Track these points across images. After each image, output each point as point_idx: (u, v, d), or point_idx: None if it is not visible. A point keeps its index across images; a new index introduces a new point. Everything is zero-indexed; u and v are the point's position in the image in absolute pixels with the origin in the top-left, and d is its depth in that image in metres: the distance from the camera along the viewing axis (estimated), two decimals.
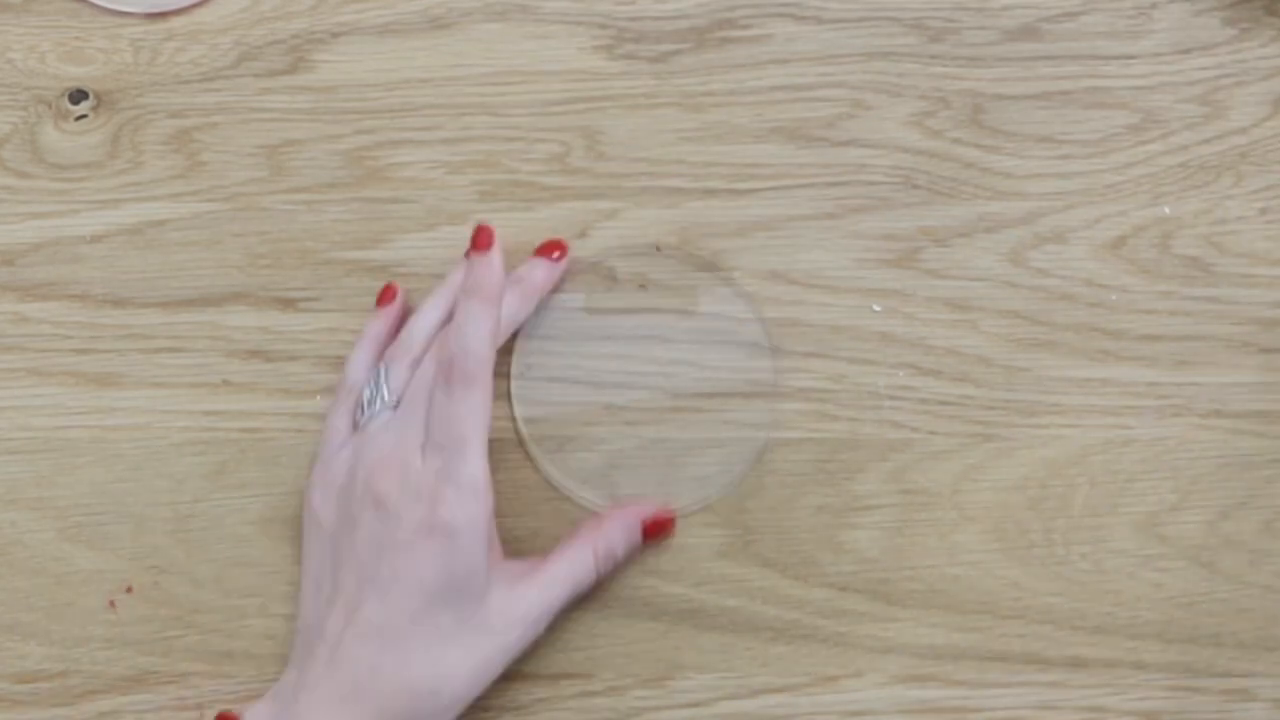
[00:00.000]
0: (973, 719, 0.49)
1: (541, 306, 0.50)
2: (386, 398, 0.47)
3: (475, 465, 0.44)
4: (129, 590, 0.49)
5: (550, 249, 0.50)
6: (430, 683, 0.44)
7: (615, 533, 0.48)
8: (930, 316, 0.50)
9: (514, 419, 0.50)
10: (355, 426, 0.47)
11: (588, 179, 0.51)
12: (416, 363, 0.48)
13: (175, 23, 0.52)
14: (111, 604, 0.49)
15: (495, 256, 0.46)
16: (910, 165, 0.51)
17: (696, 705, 0.49)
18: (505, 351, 0.50)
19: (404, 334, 0.48)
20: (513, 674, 0.49)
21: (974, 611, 0.49)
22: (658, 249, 0.50)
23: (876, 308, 0.50)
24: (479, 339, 0.45)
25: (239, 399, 0.50)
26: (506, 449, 0.49)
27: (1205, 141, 0.51)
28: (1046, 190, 0.51)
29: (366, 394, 0.47)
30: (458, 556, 0.44)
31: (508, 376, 0.50)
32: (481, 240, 0.46)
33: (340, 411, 0.48)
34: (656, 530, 0.48)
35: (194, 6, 0.52)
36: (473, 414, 0.44)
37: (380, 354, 0.49)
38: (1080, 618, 0.49)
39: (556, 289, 0.50)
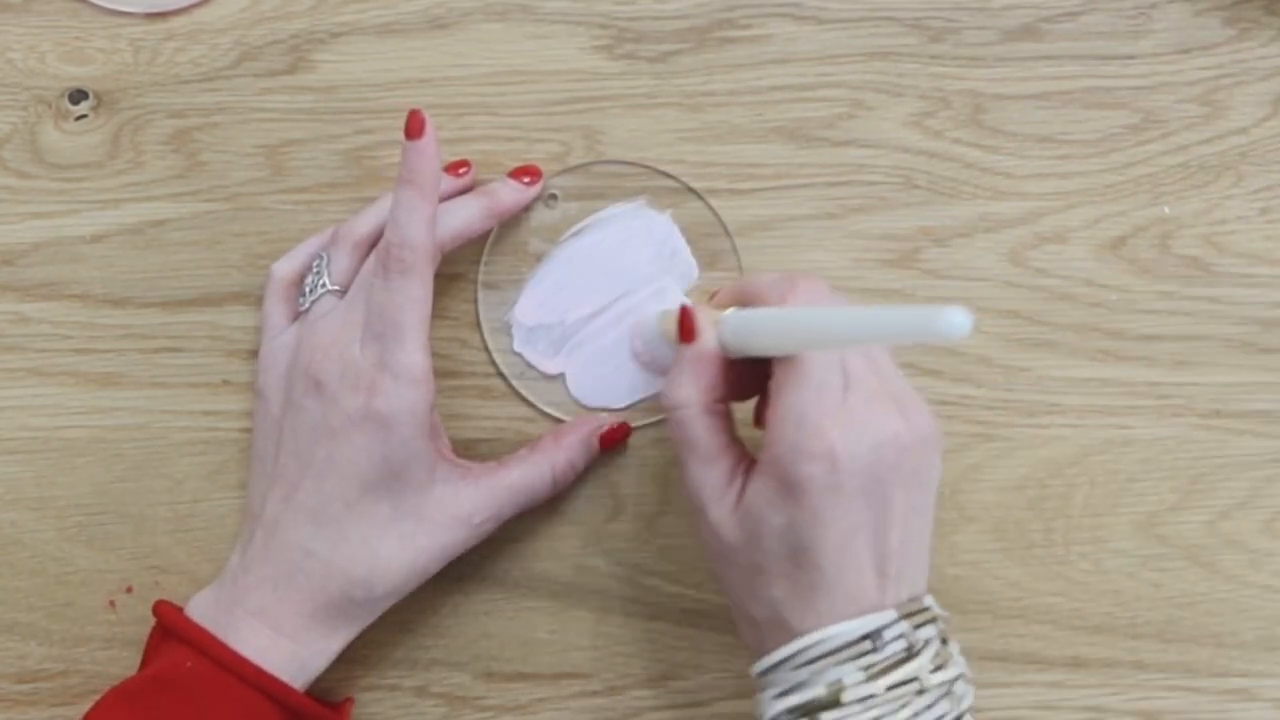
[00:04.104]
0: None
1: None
2: (328, 284, 0.47)
3: (413, 354, 0.44)
4: (129, 590, 0.49)
5: (522, 173, 0.50)
6: (363, 570, 0.45)
7: (575, 446, 0.48)
8: None
9: (488, 349, 0.50)
10: (296, 314, 0.48)
11: (588, 178, 0.51)
12: (358, 250, 0.48)
13: (175, 23, 0.52)
14: (111, 604, 0.49)
15: (429, 144, 0.44)
16: (910, 165, 0.51)
17: (696, 705, 0.49)
18: (474, 260, 0.50)
19: (345, 225, 0.48)
20: (513, 674, 0.49)
21: (974, 611, 0.49)
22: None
23: None
24: (414, 228, 0.44)
25: (239, 399, 0.50)
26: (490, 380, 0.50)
27: (1205, 141, 0.51)
28: (1046, 190, 0.51)
29: (308, 281, 0.48)
30: (394, 445, 0.44)
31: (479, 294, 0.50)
32: (414, 127, 0.44)
33: (273, 300, 0.49)
34: (612, 440, 0.49)
35: (194, 6, 0.52)
36: (410, 303, 0.44)
37: (313, 259, 0.49)
38: (1080, 618, 0.49)
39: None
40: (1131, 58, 0.51)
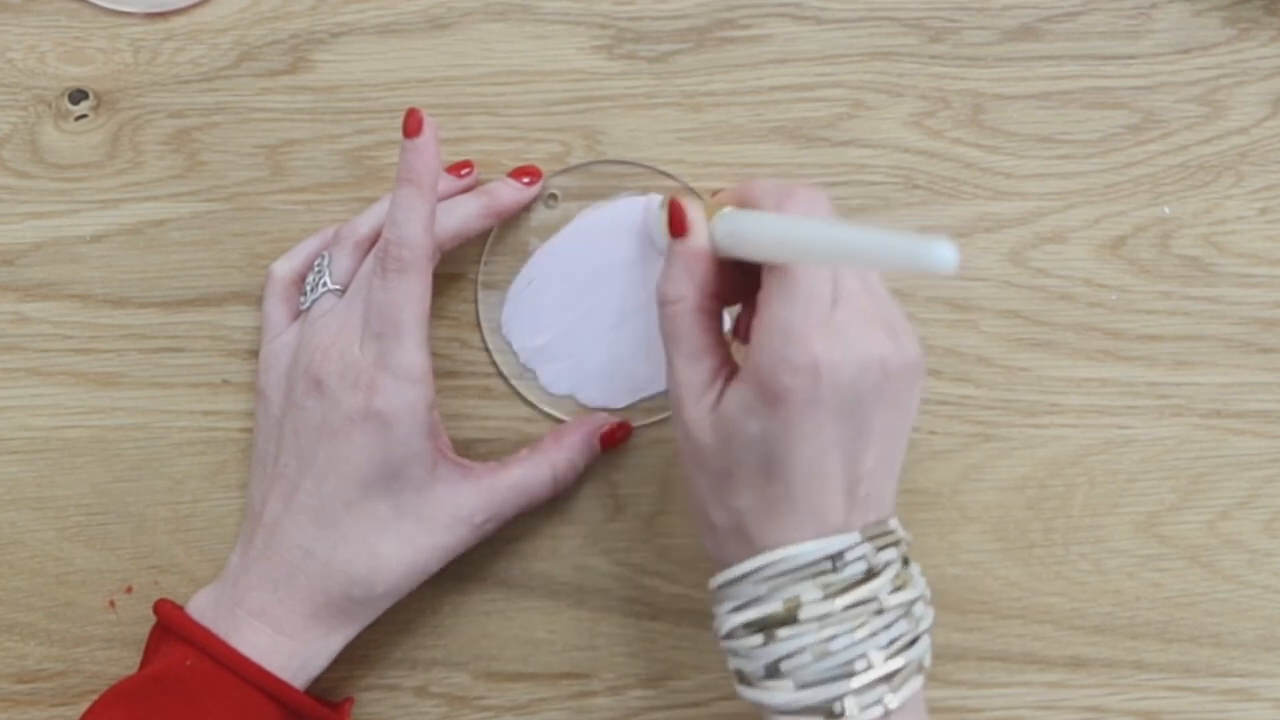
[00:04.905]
0: (972, 719, 0.49)
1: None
2: (329, 283, 0.47)
3: (412, 353, 0.44)
4: (129, 590, 0.49)
5: (522, 173, 0.50)
6: (363, 570, 0.45)
7: (576, 446, 0.48)
8: (930, 316, 0.50)
9: (488, 349, 0.50)
10: (297, 313, 0.48)
11: (588, 178, 0.51)
12: (359, 250, 0.48)
13: (175, 23, 0.52)
14: (111, 604, 0.49)
15: (427, 143, 0.44)
16: (910, 165, 0.51)
17: (696, 705, 0.49)
18: (474, 260, 0.50)
19: (347, 225, 0.48)
20: (513, 674, 0.49)
21: (974, 611, 0.49)
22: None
23: None
24: (412, 226, 0.44)
25: (239, 399, 0.50)
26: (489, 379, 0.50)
27: (1205, 141, 0.51)
28: (1046, 190, 0.51)
29: (310, 280, 0.48)
30: (394, 445, 0.44)
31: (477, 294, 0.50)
32: (411, 125, 0.44)
33: (273, 300, 0.49)
34: (612, 440, 0.49)
35: (194, 6, 0.52)
36: (409, 301, 0.44)
37: (312, 259, 0.49)
38: (1080, 618, 0.49)
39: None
40: (1131, 58, 0.51)
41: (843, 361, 0.37)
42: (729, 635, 0.40)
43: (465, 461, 0.47)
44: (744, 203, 0.42)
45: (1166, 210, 0.51)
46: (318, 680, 0.46)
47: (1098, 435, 0.50)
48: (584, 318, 0.50)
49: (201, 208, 0.51)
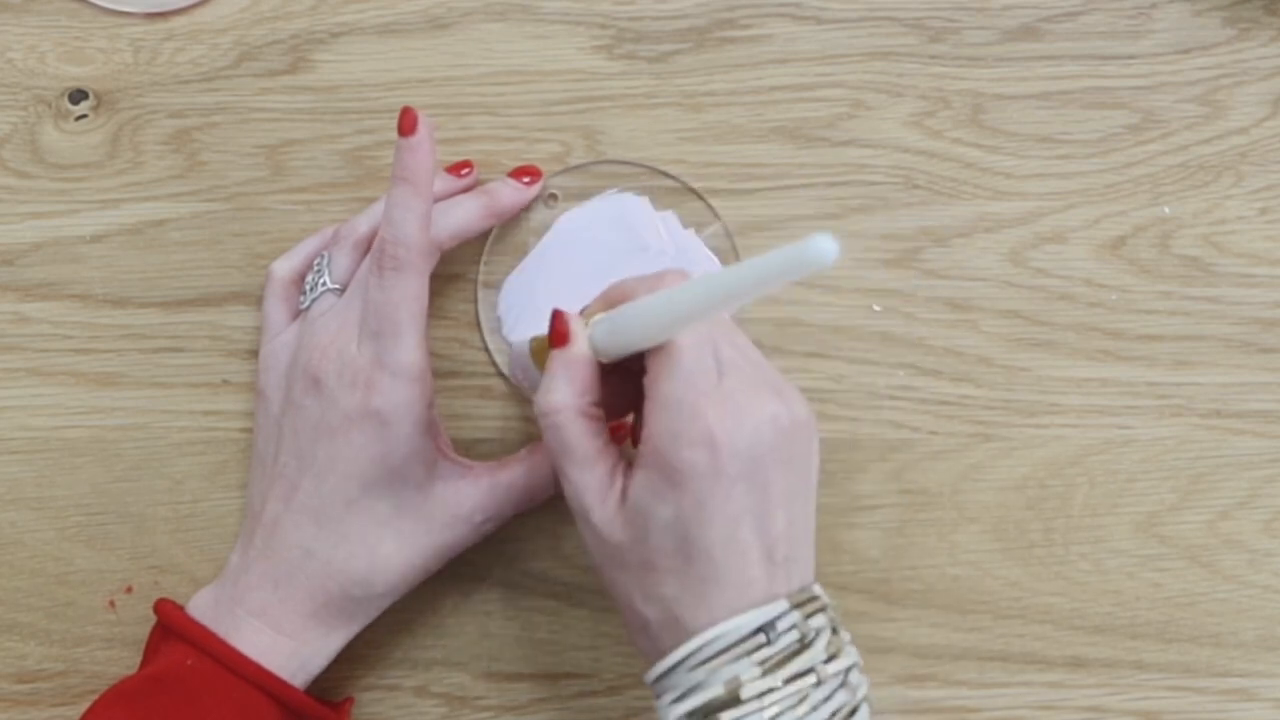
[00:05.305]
0: (972, 719, 0.49)
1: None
2: (328, 282, 0.47)
3: (409, 351, 0.44)
4: (129, 590, 0.49)
5: (522, 173, 0.50)
6: (362, 569, 0.45)
7: None
8: (930, 316, 0.50)
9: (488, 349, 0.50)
10: (296, 313, 0.48)
11: (588, 178, 0.51)
12: (358, 249, 0.48)
13: (175, 23, 0.52)
14: (111, 604, 0.49)
15: (422, 141, 0.44)
16: (910, 165, 0.51)
17: None
18: (474, 260, 0.50)
19: (346, 225, 0.48)
20: (513, 674, 0.49)
21: (974, 611, 0.49)
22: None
23: (876, 308, 0.50)
24: (408, 225, 0.44)
25: (239, 399, 0.50)
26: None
27: (1205, 141, 0.51)
28: (1046, 190, 0.51)
29: (309, 280, 0.48)
30: (393, 443, 0.44)
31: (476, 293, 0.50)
32: (406, 124, 0.44)
33: (273, 300, 0.49)
34: (612, 439, 0.49)
35: (194, 6, 0.52)
36: (406, 300, 0.44)
37: (312, 259, 0.49)
38: (1080, 618, 0.49)
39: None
40: (1131, 58, 0.51)
41: (737, 428, 0.38)
42: None
43: (465, 461, 0.47)
44: (615, 302, 0.41)
45: (1166, 210, 0.51)
46: (318, 680, 0.46)
47: (1098, 435, 0.50)
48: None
49: (201, 208, 0.51)
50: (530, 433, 0.50)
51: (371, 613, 0.46)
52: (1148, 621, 0.49)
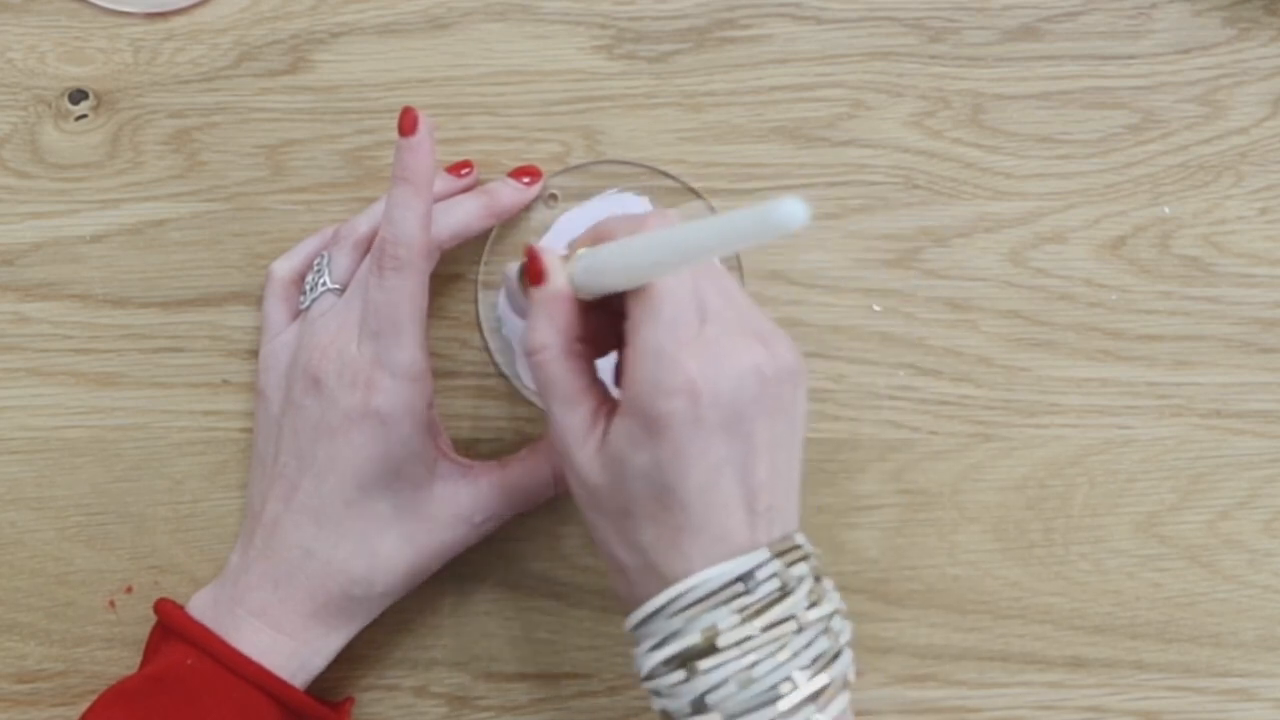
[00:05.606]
0: (972, 719, 0.49)
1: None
2: (328, 282, 0.47)
3: (409, 351, 0.44)
4: (129, 590, 0.49)
5: (522, 173, 0.50)
6: (362, 568, 0.45)
7: None
8: (930, 316, 0.50)
9: (488, 350, 0.50)
10: (296, 313, 0.48)
11: (588, 178, 0.51)
12: (358, 249, 0.48)
13: (175, 23, 0.52)
14: (111, 604, 0.49)
15: (422, 141, 0.44)
16: (910, 165, 0.51)
17: None
18: (474, 260, 0.50)
19: (346, 224, 0.49)
20: (513, 674, 0.49)
21: (974, 611, 0.49)
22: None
23: (876, 308, 0.50)
24: (408, 224, 0.44)
25: (239, 399, 0.50)
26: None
27: (1205, 141, 0.51)
28: (1046, 190, 0.51)
29: (309, 280, 0.48)
30: (393, 443, 0.44)
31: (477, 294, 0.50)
32: (406, 124, 0.44)
33: (273, 300, 0.49)
34: None
35: (194, 6, 0.52)
36: (405, 299, 0.44)
37: (312, 259, 0.49)
38: (1080, 618, 0.49)
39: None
40: (1131, 58, 0.51)
41: (718, 376, 0.37)
42: (650, 675, 0.39)
43: (465, 461, 0.47)
44: (598, 241, 0.41)
45: (1166, 210, 0.51)
46: (318, 680, 0.46)
47: (1098, 435, 0.50)
48: None
49: (201, 208, 0.51)
50: (530, 433, 0.50)
51: (371, 613, 0.46)
52: (1148, 621, 0.49)
